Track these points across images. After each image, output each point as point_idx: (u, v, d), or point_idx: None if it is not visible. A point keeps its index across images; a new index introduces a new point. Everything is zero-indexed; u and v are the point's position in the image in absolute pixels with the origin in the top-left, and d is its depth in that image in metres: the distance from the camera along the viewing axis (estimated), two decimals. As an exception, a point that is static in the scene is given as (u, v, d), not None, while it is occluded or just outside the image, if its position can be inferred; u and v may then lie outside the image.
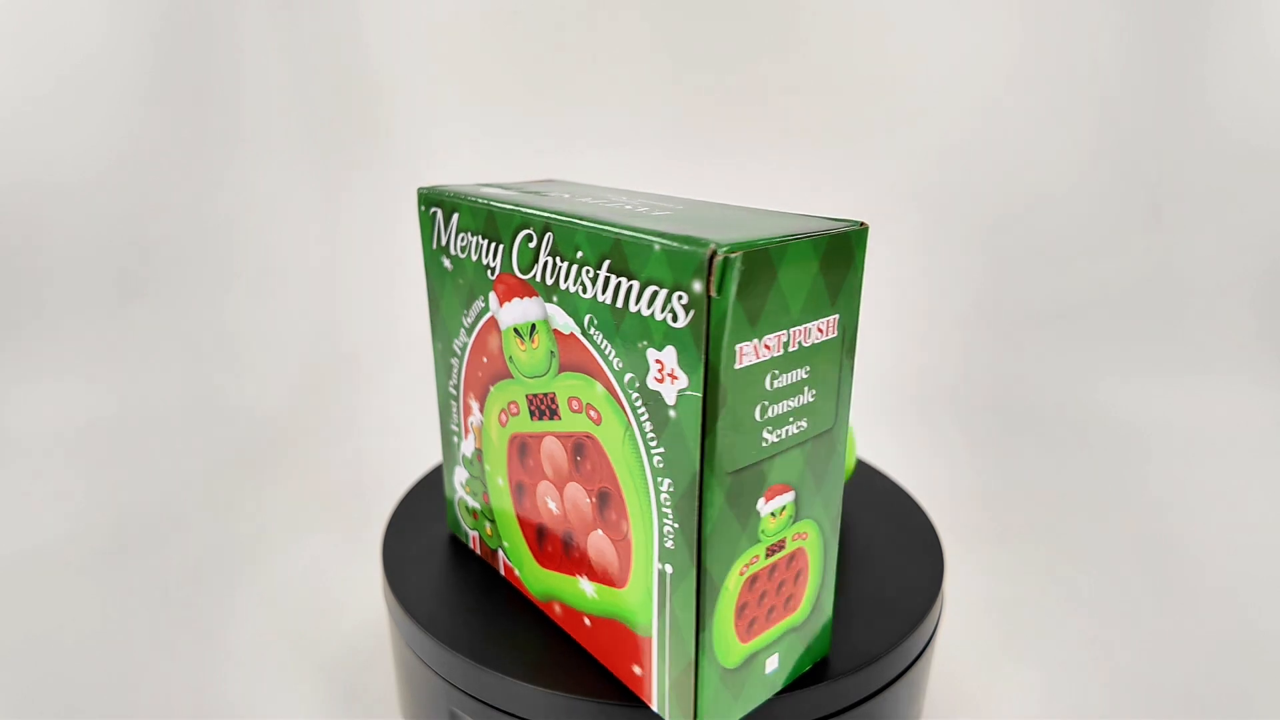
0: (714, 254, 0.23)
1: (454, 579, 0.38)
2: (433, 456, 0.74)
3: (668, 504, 0.26)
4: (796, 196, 0.99)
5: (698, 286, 0.23)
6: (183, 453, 0.74)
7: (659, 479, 0.26)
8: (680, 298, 0.24)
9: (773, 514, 0.27)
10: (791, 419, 0.27)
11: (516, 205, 0.30)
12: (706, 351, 0.23)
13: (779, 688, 0.31)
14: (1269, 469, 0.73)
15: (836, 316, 0.27)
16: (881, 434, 0.79)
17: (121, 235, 0.87)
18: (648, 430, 0.26)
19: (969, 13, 0.97)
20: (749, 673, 0.29)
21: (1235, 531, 0.63)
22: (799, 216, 0.28)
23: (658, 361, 0.25)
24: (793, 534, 0.29)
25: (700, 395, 0.24)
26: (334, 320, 0.91)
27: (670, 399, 0.25)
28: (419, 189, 0.34)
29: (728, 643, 0.28)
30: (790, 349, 0.26)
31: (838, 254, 0.26)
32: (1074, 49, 0.98)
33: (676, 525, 0.26)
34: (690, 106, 0.99)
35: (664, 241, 0.24)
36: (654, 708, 0.29)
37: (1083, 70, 0.99)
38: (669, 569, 0.27)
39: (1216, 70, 0.97)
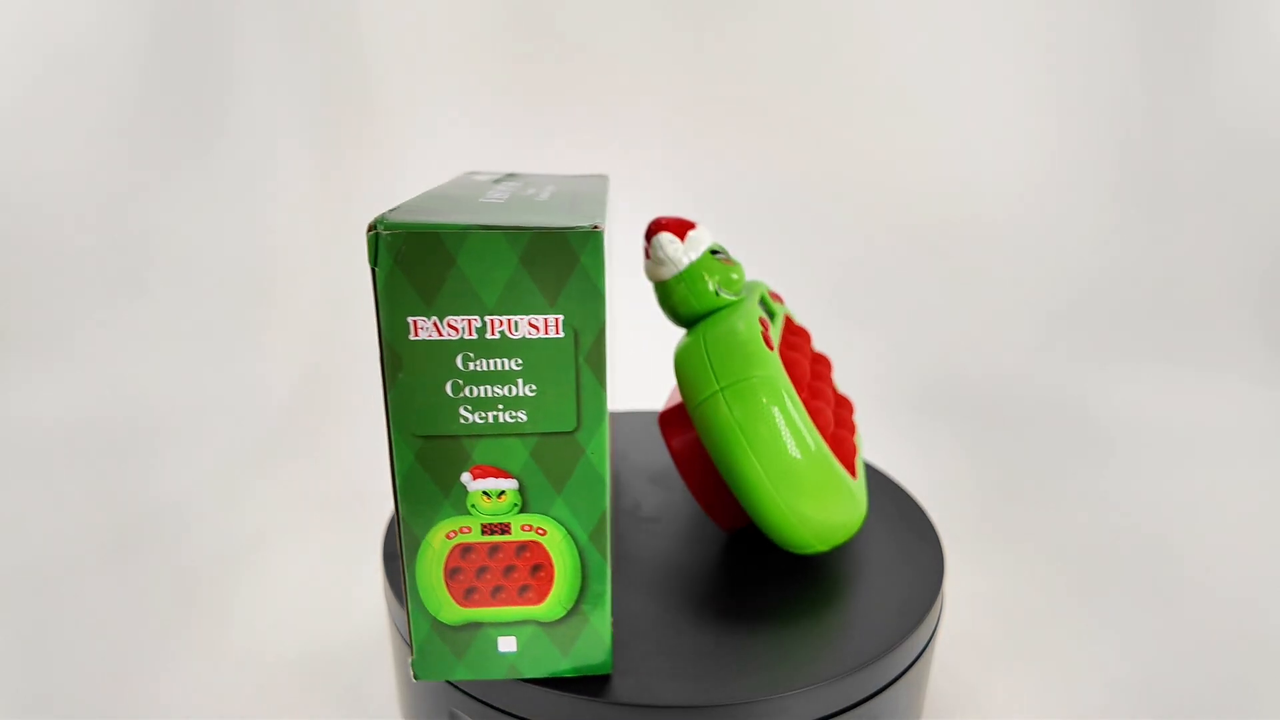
0: (374, 230, 0.25)
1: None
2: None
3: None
4: (790, 194, 0.97)
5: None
6: (182, 452, 0.74)
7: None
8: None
9: (485, 493, 0.28)
10: (501, 406, 0.27)
11: (596, 193, 0.34)
12: (378, 317, 0.26)
13: (524, 675, 0.31)
14: (1268, 469, 0.74)
15: (560, 318, 0.26)
16: (881, 434, 0.74)
17: (122, 235, 0.87)
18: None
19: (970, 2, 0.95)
20: (475, 641, 0.30)
21: (1235, 531, 0.63)
22: (581, 214, 0.28)
23: None
24: (522, 524, 0.29)
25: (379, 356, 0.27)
26: (335, 319, 0.90)
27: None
28: (596, 231, 0.26)
29: (439, 599, 0.30)
30: (489, 336, 0.26)
31: (548, 253, 0.26)
32: (1074, 45, 0.97)
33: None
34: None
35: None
36: None
37: (1082, 67, 0.97)
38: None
39: (1217, 66, 0.96)
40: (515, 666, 0.31)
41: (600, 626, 0.31)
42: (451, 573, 0.29)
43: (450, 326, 0.26)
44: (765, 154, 0.99)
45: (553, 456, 0.28)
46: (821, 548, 0.38)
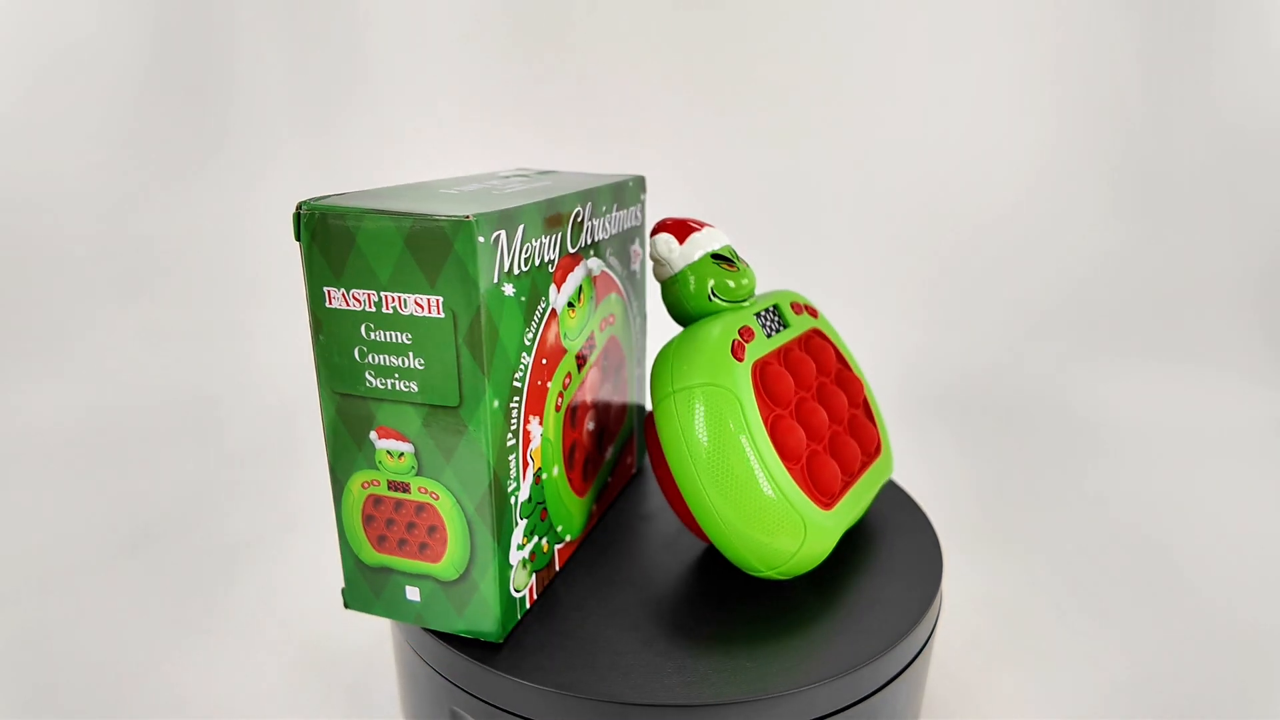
0: (297, 209, 0.29)
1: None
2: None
3: None
4: (787, 195, 0.97)
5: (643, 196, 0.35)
6: (184, 452, 0.74)
7: None
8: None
9: (389, 453, 0.31)
10: (396, 376, 0.30)
11: (564, 193, 0.36)
12: (306, 285, 0.30)
13: (428, 625, 0.34)
14: (1268, 469, 0.74)
15: (440, 299, 0.28)
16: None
17: (122, 235, 0.88)
18: None
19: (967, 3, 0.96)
20: (388, 585, 0.33)
21: (1234, 531, 0.64)
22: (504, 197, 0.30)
23: None
24: (419, 486, 0.31)
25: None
26: None
27: None
28: (479, 219, 0.28)
29: (359, 540, 0.33)
30: (384, 310, 0.29)
31: (426, 239, 0.28)
32: (1073, 46, 0.97)
33: None
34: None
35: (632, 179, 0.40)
36: None
37: (1081, 67, 0.97)
38: None
39: (1216, 66, 0.96)
40: (421, 615, 0.34)
41: (489, 596, 0.32)
42: (367, 519, 0.33)
43: (354, 298, 0.30)
44: (763, 154, 1.00)
45: (440, 428, 0.30)
46: (769, 572, 0.36)
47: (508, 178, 0.40)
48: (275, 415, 0.81)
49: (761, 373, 0.37)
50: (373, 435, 0.31)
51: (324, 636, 0.51)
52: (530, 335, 0.32)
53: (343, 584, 0.35)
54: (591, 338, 0.39)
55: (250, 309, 0.91)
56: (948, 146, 1.01)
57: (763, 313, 0.39)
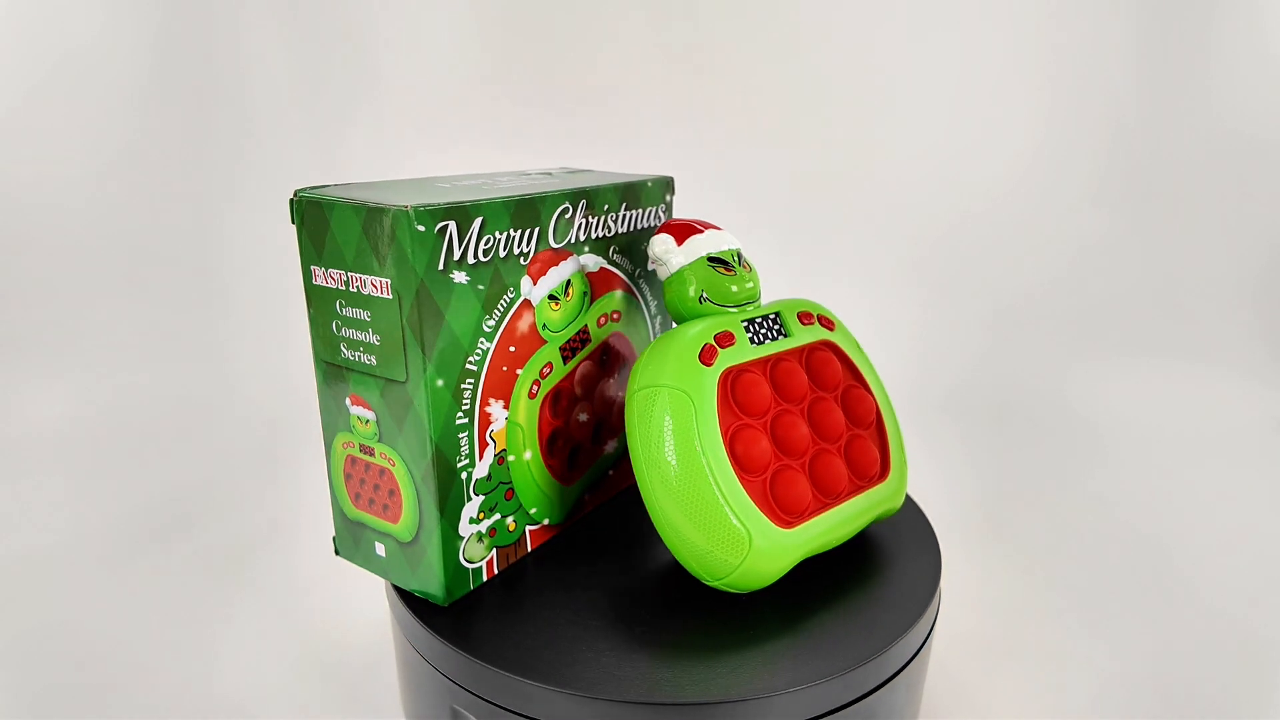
0: (294, 196, 0.33)
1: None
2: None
3: None
4: (783, 196, 0.96)
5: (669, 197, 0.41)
6: (185, 452, 0.74)
7: None
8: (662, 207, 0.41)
9: (359, 419, 0.34)
10: (361, 349, 0.33)
11: (548, 191, 0.38)
12: (301, 263, 0.34)
13: (392, 580, 0.37)
14: (1267, 469, 0.74)
15: (389, 281, 0.31)
16: None
17: (123, 235, 0.87)
18: None
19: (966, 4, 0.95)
20: (363, 538, 0.37)
21: (1232, 531, 0.63)
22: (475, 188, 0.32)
23: None
24: (381, 451, 0.34)
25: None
26: None
27: None
28: (416, 210, 0.30)
29: (343, 495, 0.37)
30: (351, 289, 0.32)
31: (376, 226, 0.30)
32: (1072, 46, 0.97)
33: None
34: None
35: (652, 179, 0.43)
36: None
37: (1079, 66, 0.97)
38: None
39: (1215, 65, 0.96)
40: (387, 570, 0.37)
41: (434, 561, 0.35)
42: (347, 477, 0.37)
43: (331, 276, 0.33)
44: (762, 154, 0.97)
45: (393, 400, 0.33)
46: (714, 582, 0.35)
47: (522, 175, 0.43)
48: (277, 415, 0.81)
49: (733, 380, 0.36)
50: (347, 401, 0.35)
51: (326, 635, 0.51)
52: (491, 323, 0.34)
53: (334, 534, 0.39)
54: (584, 331, 0.40)
55: (253, 309, 0.90)
56: (955, 146, 1.00)
57: (757, 320, 0.38)
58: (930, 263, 1.00)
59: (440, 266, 0.31)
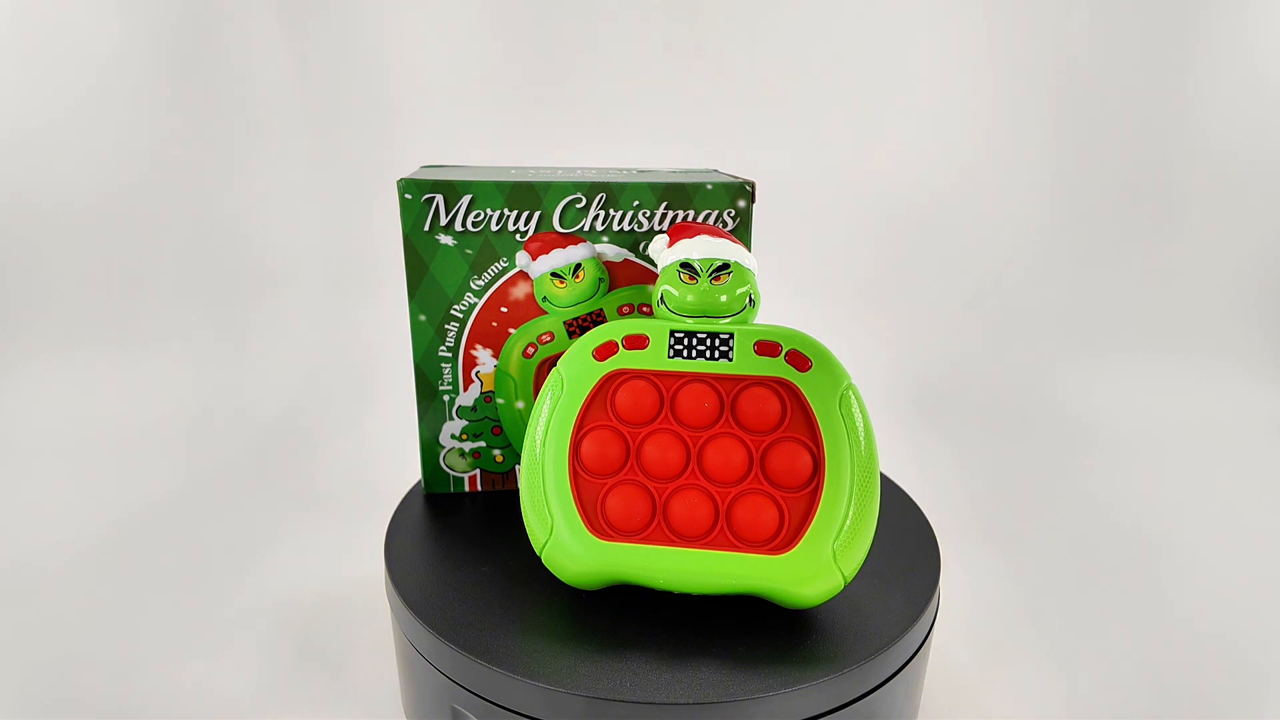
0: (399, 182, 0.45)
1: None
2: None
3: None
4: (777, 186, 0.81)
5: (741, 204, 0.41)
6: (186, 452, 0.74)
7: None
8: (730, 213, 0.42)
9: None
10: (413, 284, 0.44)
11: (555, 180, 0.42)
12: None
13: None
14: (1266, 469, 0.74)
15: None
16: (878, 433, 0.47)
17: (124, 236, 0.87)
18: None
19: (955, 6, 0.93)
20: None
21: (1232, 530, 0.63)
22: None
23: None
24: (420, 363, 0.45)
25: None
26: (338, 320, 0.91)
27: None
28: (403, 180, 0.40)
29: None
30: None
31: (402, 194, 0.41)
32: (1066, 46, 0.94)
33: None
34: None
35: (714, 181, 0.42)
36: None
37: (1074, 63, 0.95)
38: None
39: (1208, 56, 0.94)
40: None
41: (421, 452, 0.44)
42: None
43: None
44: (758, 152, 0.93)
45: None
46: (539, 551, 0.35)
47: (623, 169, 0.47)
48: (276, 415, 0.82)
49: (618, 383, 0.35)
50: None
51: (327, 634, 0.51)
52: (480, 282, 0.42)
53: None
54: (598, 314, 0.43)
55: (254, 309, 0.91)
56: (946, 148, 0.96)
57: (698, 334, 0.36)
58: (922, 260, 0.98)
59: (426, 228, 0.41)
